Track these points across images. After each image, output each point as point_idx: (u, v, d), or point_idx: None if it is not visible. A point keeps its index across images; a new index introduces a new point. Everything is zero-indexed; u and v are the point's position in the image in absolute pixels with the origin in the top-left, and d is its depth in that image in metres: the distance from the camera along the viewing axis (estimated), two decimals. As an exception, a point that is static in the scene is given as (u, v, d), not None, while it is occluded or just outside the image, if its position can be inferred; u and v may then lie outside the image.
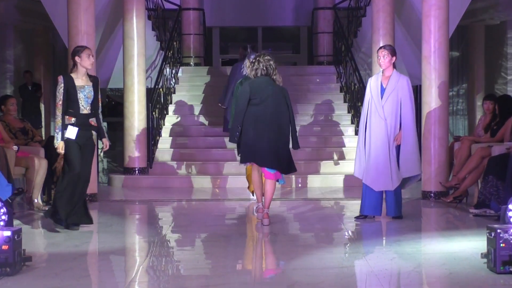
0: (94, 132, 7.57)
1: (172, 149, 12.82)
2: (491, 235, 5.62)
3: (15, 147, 9.05)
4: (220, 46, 18.91)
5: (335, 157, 12.50)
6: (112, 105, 19.57)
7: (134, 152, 12.10)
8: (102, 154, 17.55)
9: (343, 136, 13.07)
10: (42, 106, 16.47)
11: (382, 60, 8.14)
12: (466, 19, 14.73)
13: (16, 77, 16.68)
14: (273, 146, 7.94)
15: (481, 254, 5.81)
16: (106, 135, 7.75)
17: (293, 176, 11.64)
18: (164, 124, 13.49)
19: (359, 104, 12.34)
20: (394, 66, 8.26)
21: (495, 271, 5.52)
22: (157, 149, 12.68)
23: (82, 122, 7.43)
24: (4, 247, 5.52)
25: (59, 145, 7.40)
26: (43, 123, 16.40)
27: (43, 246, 7.10)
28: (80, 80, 7.46)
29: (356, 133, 12.43)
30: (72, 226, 7.53)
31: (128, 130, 12.17)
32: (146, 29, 12.75)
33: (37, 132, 10.16)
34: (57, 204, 7.48)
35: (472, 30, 17.07)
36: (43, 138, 11.64)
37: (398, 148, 8.12)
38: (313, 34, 16.54)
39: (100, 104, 7.64)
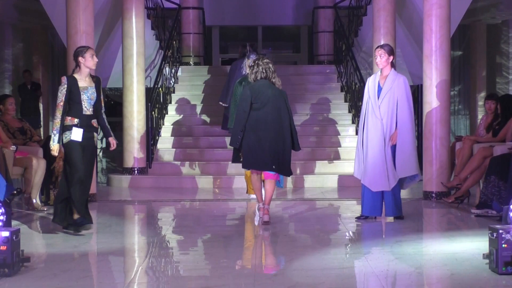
0: (95, 133, 7.54)
1: (171, 149, 12.82)
2: (493, 236, 5.61)
3: (13, 147, 9.05)
4: (220, 45, 18.91)
5: (336, 157, 12.49)
6: (111, 104, 19.56)
7: (133, 152, 12.09)
8: (101, 154, 17.57)
9: (343, 136, 13.07)
10: (40, 106, 16.46)
11: (378, 60, 8.15)
12: (467, 18, 14.74)
13: (15, 77, 16.69)
14: (274, 150, 8.05)
15: (483, 255, 5.80)
16: (112, 134, 7.69)
17: (293, 176, 11.63)
18: (163, 124, 13.49)
19: (360, 103, 12.31)
20: (393, 65, 8.23)
21: (497, 272, 5.52)
22: (156, 149, 12.68)
23: (85, 124, 7.37)
24: (2, 247, 5.52)
25: (55, 148, 7.33)
26: (41, 123, 16.39)
27: (42, 247, 7.10)
28: (83, 81, 7.40)
29: (357, 133, 12.43)
30: (70, 227, 7.52)
31: (127, 130, 12.17)
32: (146, 28, 12.75)
33: (35, 132, 10.16)
34: (74, 206, 7.36)
35: (473, 29, 17.07)
36: (42, 137, 11.64)
37: (395, 148, 8.10)
38: (314, 33, 16.54)
39: (103, 105, 7.59)
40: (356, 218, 8.30)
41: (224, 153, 12.43)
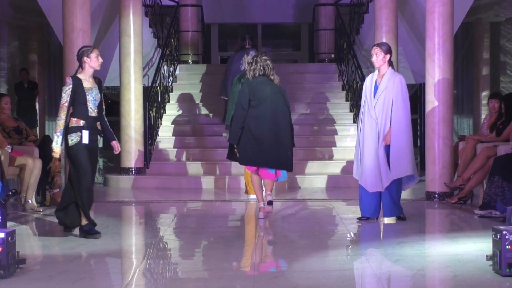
0: (98, 136, 7.50)
1: (170, 149, 12.82)
2: (496, 237, 5.61)
3: (8, 147, 9.05)
4: (219, 43, 18.90)
5: (337, 156, 12.48)
6: (108, 103, 19.56)
7: (130, 152, 12.09)
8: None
9: (344, 136, 13.06)
10: (36, 105, 16.46)
11: (374, 58, 8.15)
12: (470, 16, 14.73)
13: (10, 75, 16.68)
14: (273, 147, 8.20)
15: (487, 256, 5.80)
16: (115, 137, 7.64)
17: (292, 176, 11.64)
18: (161, 123, 13.49)
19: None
20: (391, 64, 8.19)
21: (500, 274, 5.52)
22: (154, 149, 12.68)
23: (90, 125, 7.32)
24: (-2, 249, 5.52)
25: (57, 150, 7.25)
26: (38, 122, 16.39)
27: (38, 248, 7.10)
28: (87, 81, 7.35)
29: (358, 132, 12.43)
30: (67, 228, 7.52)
31: (125, 129, 12.16)
32: (143, 26, 12.75)
33: (31, 132, 10.15)
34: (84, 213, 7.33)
35: (477, 27, 17.06)
36: (38, 137, 11.63)
37: (390, 148, 8.08)
38: (314, 31, 16.54)
39: (103, 106, 7.54)
40: (357, 219, 8.30)
41: (223, 153, 12.34)
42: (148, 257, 6.65)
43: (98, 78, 7.56)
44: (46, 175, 9.57)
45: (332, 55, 15.65)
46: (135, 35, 12.21)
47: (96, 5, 12.61)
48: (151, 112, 12.62)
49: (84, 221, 7.31)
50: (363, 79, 12.76)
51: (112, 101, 19.23)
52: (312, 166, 12.17)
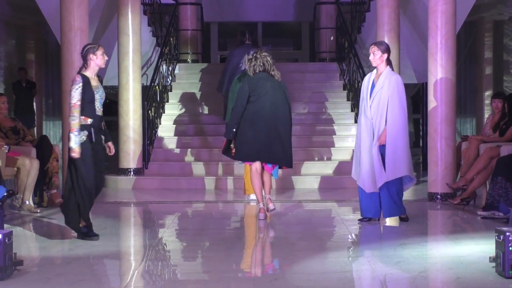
0: (102, 136, 7.49)
1: (169, 149, 12.82)
2: (499, 238, 5.61)
3: (5, 147, 9.05)
4: (219, 42, 18.91)
5: (338, 157, 12.49)
6: (106, 103, 19.55)
7: (129, 152, 12.09)
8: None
9: (346, 136, 13.07)
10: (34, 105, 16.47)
11: (371, 57, 8.16)
12: (473, 14, 14.74)
13: (8, 75, 16.68)
14: (271, 141, 8.34)
15: (490, 258, 5.81)
16: (111, 139, 7.64)
17: (292, 176, 11.65)
18: (160, 123, 13.49)
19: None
20: (389, 63, 8.18)
21: (504, 276, 5.52)
22: (153, 149, 12.68)
23: (97, 125, 7.31)
24: (-6, 250, 5.52)
25: (77, 150, 7.15)
26: (35, 122, 16.40)
27: (35, 250, 7.10)
28: (93, 80, 7.34)
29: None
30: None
31: (123, 129, 12.17)
32: (142, 24, 12.76)
33: (28, 132, 10.16)
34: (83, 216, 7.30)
35: (480, 25, 17.07)
36: (35, 137, 11.62)
37: (385, 148, 8.07)
38: (315, 29, 16.54)
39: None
40: (358, 220, 8.31)
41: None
42: (147, 258, 6.65)
43: (99, 76, 7.56)
44: (43, 176, 9.58)
45: (333, 54, 15.66)
46: (133, 34, 12.21)
47: (94, 3, 12.63)
48: (149, 112, 12.63)
49: (82, 223, 7.31)
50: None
51: (110, 101, 19.23)
52: (313, 167, 12.17)
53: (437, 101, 9.95)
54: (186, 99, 14.16)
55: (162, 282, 5.86)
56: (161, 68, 13.71)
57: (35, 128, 16.17)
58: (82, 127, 7.21)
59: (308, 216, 9.15)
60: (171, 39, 14.76)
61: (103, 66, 7.43)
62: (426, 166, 11.28)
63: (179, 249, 7.24)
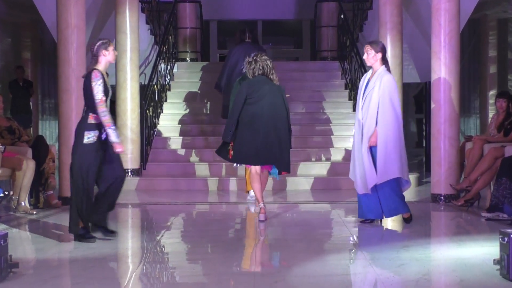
0: None
1: (167, 150, 12.82)
2: (504, 240, 5.61)
3: (1, 147, 9.05)
4: (218, 40, 18.91)
5: (339, 157, 12.49)
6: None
7: (126, 152, 12.09)
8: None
9: (347, 136, 13.07)
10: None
11: (365, 56, 8.19)
12: (477, 12, 14.74)
13: (3, 73, 16.68)
14: (268, 144, 8.50)
15: (494, 260, 5.81)
16: None
17: (293, 177, 11.65)
18: (158, 123, 13.49)
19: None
20: (385, 63, 8.16)
21: (508, 279, 5.52)
22: (151, 150, 12.68)
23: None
24: (-10, 253, 5.52)
25: (120, 144, 7.17)
26: (32, 122, 16.39)
27: (31, 252, 7.11)
28: (105, 76, 7.33)
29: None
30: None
31: (121, 129, 12.17)
32: (140, 22, 12.76)
33: (24, 132, 10.15)
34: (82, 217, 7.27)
35: (484, 23, 17.07)
36: (31, 137, 11.62)
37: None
38: (316, 27, 16.54)
39: None
40: (360, 221, 8.31)
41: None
42: (145, 261, 6.65)
43: (107, 73, 7.55)
44: (39, 177, 9.58)
45: (335, 53, 15.66)
46: (131, 32, 12.21)
47: (91, 1, 12.63)
48: (148, 111, 12.62)
49: (80, 224, 7.31)
50: (366, 77, 12.78)
51: (107, 100, 19.25)
52: (314, 167, 12.17)
53: (441, 101, 9.96)
54: (185, 99, 14.15)
55: (160, 285, 5.86)
56: (159, 67, 13.71)
57: (31, 128, 16.18)
58: (93, 126, 7.18)
59: (309, 218, 9.15)
60: (170, 37, 14.76)
61: (113, 62, 7.48)
62: (429, 167, 11.29)
63: (177, 251, 7.24)
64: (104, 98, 7.17)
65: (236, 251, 7.12)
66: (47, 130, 18.08)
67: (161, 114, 13.72)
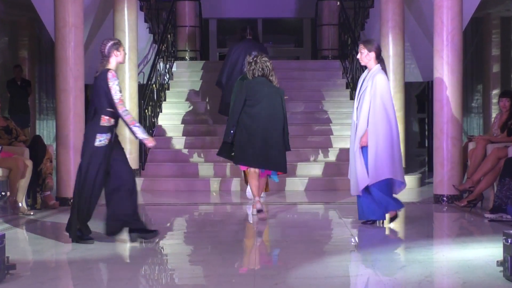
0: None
1: (166, 150, 12.82)
2: (507, 242, 5.61)
3: (-3, 147, 9.05)
4: (218, 39, 18.91)
5: (340, 158, 12.48)
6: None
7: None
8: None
9: (349, 136, 13.04)
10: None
11: (359, 56, 8.20)
12: (480, 10, 14.73)
13: (0, 73, 16.68)
14: (265, 147, 8.70)
15: (497, 262, 5.80)
16: None
17: (292, 178, 11.66)
18: (157, 123, 13.49)
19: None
20: (380, 61, 8.14)
21: (511, 280, 5.52)
22: (149, 150, 12.67)
23: (116, 125, 7.29)
24: (-14, 254, 5.52)
25: (150, 138, 7.22)
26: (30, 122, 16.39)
27: (28, 253, 7.10)
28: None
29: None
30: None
31: (119, 129, 12.09)
32: (138, 21, 12.76)
33: (21, 132, 10.15)
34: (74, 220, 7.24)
35: (487, 22, 17.07)
36: (28, 137, 11.62)
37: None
38: (317, 26, 16.54)
39: None
40: (362, 222, 8.30)
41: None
42: (144, 263, 6.65)
43: None
44: (36, 177, 9.57)
45: (336, 51, 15.65)
46: (129, 30, 12.21)
47: (89, -1, 12.62)
48: (146, 111, 12.62)
49: (78, 226, 7.29)
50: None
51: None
52: (314, 167, 12.17)
53: (443, 100, 9.95)
54: (184, 98, 14.15)
55: (159, 287, 5.86)
56: (158, 66, 13.71)
57: (31, 128, 16.18)
58: (106, 129, 7.15)
59: (308, 219, 9.15)
60: (169, 36, 14.76)
61: (124, 62, 7.52)
62: (431, 167, 11.29)
63: (176, 253, 7.23)
64: (122, 98, 7.18)
65: (236, 252, 7.12)
66: (45, 130, 18.07)
67: (160, 113, 13.72)
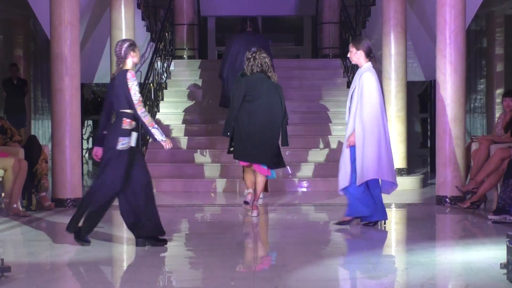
0: None
1: (163, 150, 12.78)
2: (511, 244, 5.61)
3: (-8, 148, 9.05)
4: (216, 37, 18.91)
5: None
6: (98, 101, 19.58)
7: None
8: (87, 155, 17.56)
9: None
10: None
11: (349, 55, 8.22)
12: (484, 8, 14.74)
13: (-4, 71, 16.69)
14: (264, 142, 8.91)
15: (501, 264, 5.81)
16: None
17: (292, 179, 11.66)
18: (155, 123, 13.47)
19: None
20: (371, 59, 8.13)
21: (515, 283, 5.53)
22: (147, 150, 12.67)
23: (138, 127, 7.27)
24: (-20, 256, 5.52)
25: (167, 140, 7.17)
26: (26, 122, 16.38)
27: (23, 256, 7.10)
28: None
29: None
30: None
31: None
32: (135, 18, 12.76)
33: (16, 131, 10.14)
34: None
35: (490, 20, 17.08)
36: (23, 137, 11.62)
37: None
38: (318, 24, 16.54)
39: None
40: (363, 224, 8.31)
41: (219, 154, 12.43)
42: (140, 265, 6.65)
43: None
44: (32, 178, 9.57)
45: (337, 50, 15.65)
46: (126, 28, 12.21)
47: (85, -4, 12.63)
48: (144, 110, 12.59)
49: (80, 224, 7.24)
50: (369, 75, 12.77)
51: (102, 99, 19.24)
52: (315, 168, 12.17)
53: (446, 100, 9.96)
54: (182, 98, 14.15)
55: (157, 289, 5.86)
56: (155, 64, 13.71)
57: (27, 128, 16.17)
58: (127, 132, 7.11)
59: (309, 220, 9.16)
60: (166, 34, 14.76)
61: (139, 63, 7.52)
62: (434, 168, 11.29)
63: (173, 255, 7.23)
64: (141, 99, 7.16)
65: (235, 255, 7.12)
66: (40, 129, 18.08)
67: (158, 113, 13.72)
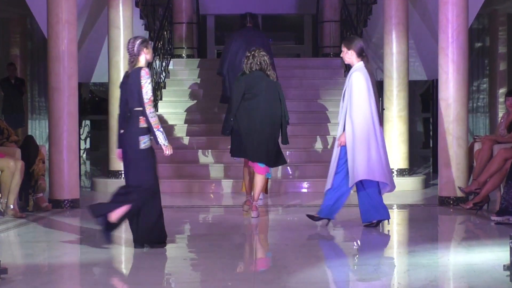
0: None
1: (162, 150, 12.78)
2: (514, 245, 5.62)
3: (-12, 148, 9.05)
4: (216, 36, 18.90)
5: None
6: (95, 101, 19.59)
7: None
8: (84, 155, 17.57)
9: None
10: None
11: (342, 55, 8.25)
12: (487, 7, 14.74)
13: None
14: (263, 140, 8.98)
15: (504, 266, 5.81)
16: None
17: (292, 180, 11.66)
18: (153, 123, 13.46)
19: (369, 100, 12.32)
20: (363, 59, 8.14)
21: (519, 285, 5.53)
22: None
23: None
24: (-23, 258, 5.52)
25: (169, 146, 7.17)
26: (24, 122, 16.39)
27: (20, 257, 7.10)
28: None
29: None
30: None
31: (114, 129, 12.15)
32: (134, 17, 12.74)
33: (13, 132, 10.14)
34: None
35: (493, 18, 17.08)
36: (21, 137, 11.62)
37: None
38: (318, 23, 16.54)
39: None
40: (364, 225, 8.30)
41: (218, 154, 12.43)
42: (139, 266, 6.65)
43: None
44: (29, 179, 9.57)
45: (337, 49, 15.65)
46: (124, 27, 12.20)
47: (82, -6, 12.61)
48: (142, 110, 12.58)
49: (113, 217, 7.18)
50: (371, 75, 12.76)
51: (100, 99, 19.25)
52: (315, 168, 12.17)
53: (448, 99, 9.96)
54: (181, 97, 14.15)
55: (156, 291, 5.86)
56: (154, 63, 13.71)
57: (25, 128, 16.18)
58: (146, 130, 7.11)
59: (310, 221, 9.15)
60: (165, 33, 14.75)
61: (151, 61, 7.53)
62: (436, 168, 11.29)
63: (172, 257, 7.23)
64: (152, 98, 7.15)
65: (235, 257, 7.12)
66: (37, 129, 18.08)
67: (156, 113, 13.69)
